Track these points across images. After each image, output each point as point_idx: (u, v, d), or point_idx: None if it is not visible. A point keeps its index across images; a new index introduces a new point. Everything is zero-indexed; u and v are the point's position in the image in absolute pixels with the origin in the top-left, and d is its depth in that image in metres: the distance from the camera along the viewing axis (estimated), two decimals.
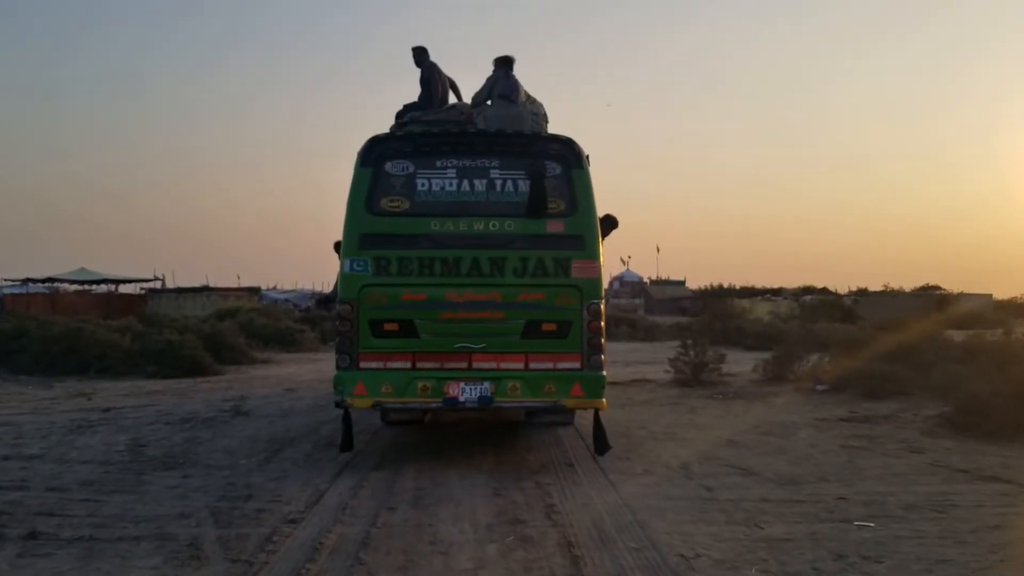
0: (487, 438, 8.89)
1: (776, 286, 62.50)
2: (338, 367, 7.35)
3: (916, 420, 9.86)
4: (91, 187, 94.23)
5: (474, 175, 7.58)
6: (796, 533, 5.37)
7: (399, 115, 9.01)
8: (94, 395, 13.07)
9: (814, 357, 14.41)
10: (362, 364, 7.29)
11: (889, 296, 47.50)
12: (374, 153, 7.55)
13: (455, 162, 7.58)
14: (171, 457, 7.97)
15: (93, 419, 10.43)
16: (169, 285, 48.60)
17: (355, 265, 7.35)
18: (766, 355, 16.29)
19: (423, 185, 7.53)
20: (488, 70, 8.79)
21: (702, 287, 64.10)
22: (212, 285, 47.93)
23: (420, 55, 9.18)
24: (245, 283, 49.98)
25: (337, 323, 7.51)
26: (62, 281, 48.67)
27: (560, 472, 7.28)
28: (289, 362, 19.28)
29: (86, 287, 48.84)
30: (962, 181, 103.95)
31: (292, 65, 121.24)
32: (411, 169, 7.54)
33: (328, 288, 52.27)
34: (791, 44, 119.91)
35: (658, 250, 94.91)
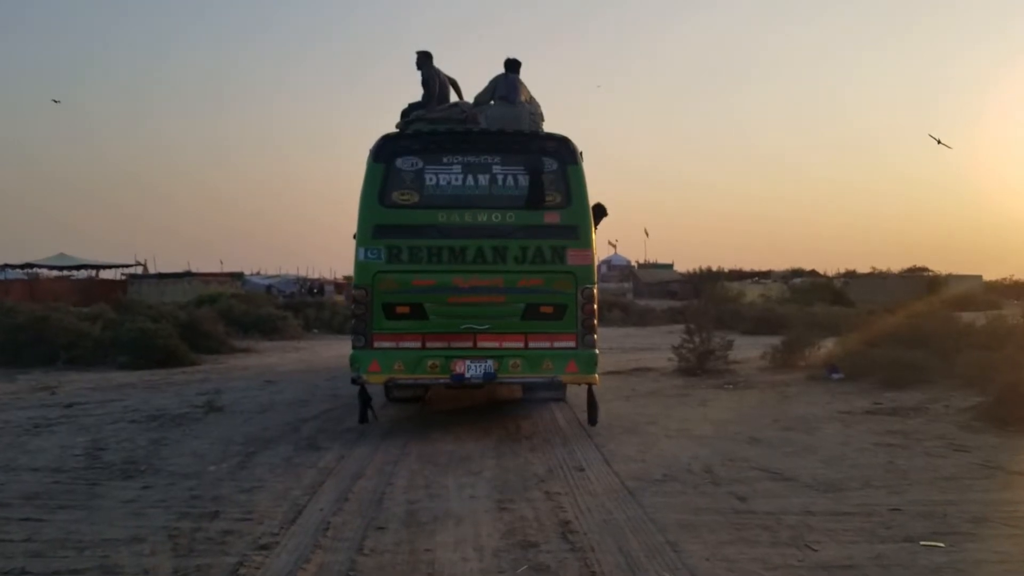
0: (485, 437, 8.08)
1: (764, 269, 61.92)
2: (354, 347, 7.97)
3: (949, 412, 9.11)
4: (71, 171, 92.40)
5: (478, 170, 8.16)
6: (857, 557, 4.57)
7: (404, 114, 9.53)
8: (59, 389, 12.15)
9: (827, 343, 13.67)
10: (376, 344, 7.90)
11: (878, 278, 46.93)
12: (386, 150, 8.15)
13: (460, 158, 8.16)
14: (132, 463, 7.09)
15: (53, 417, 9.53)
16: (151, 271, 47.52)
17: (369, 253, 7.97)
18: (766, 340, 15.61)
19: (431, 180, 8.12)
20: (491, 68, 9.47)
21: (690, 271, 63.49)
22: (194, 271, 46.80)
23: (422, 59, 9.72)
24: (228, 268, 48.89)
25: (353, 306, 8.14)
26: (41, 267, 47.69)
27: (570, 478, 6.47)
28: (270, 351, 18.37)
29: (65, 273, 47.82)
30: (947, 163, 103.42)
31: (298, 56, 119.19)
32: (420, 165, 8.13)
33: (312, 273, 51.33)
34: (783, 31, 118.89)
35: (647, 234, 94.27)
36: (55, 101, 69.19)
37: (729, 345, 13.55)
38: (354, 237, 8.21)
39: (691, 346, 13.43)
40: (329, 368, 14.80)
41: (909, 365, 11.11)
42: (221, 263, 51.08)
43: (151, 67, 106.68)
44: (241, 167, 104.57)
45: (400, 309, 7.85)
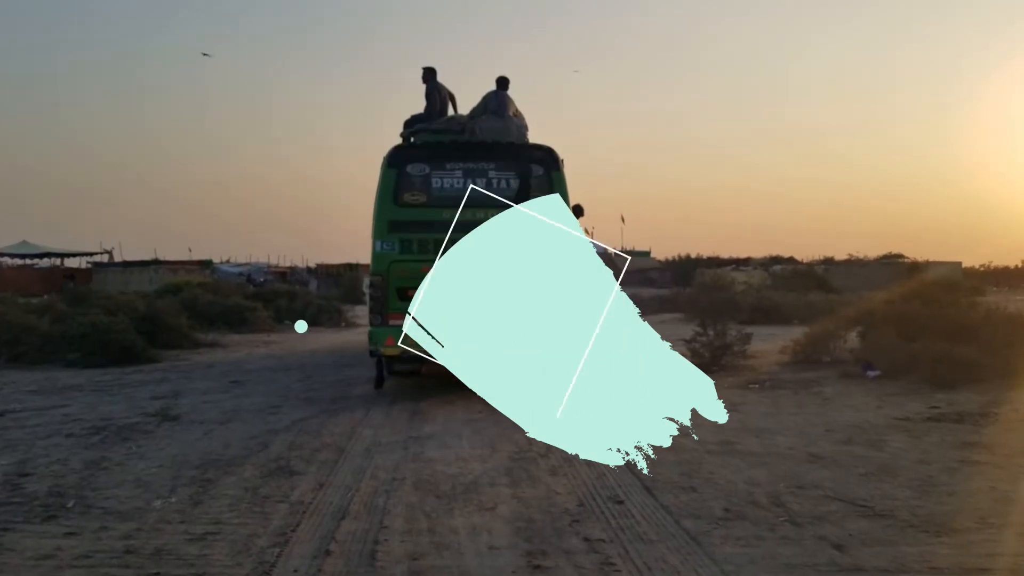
0: (492, 455, 6.75)
1: (742, 256, 60.83)
2: (372, 324, 9.49)
3: (1022, 418, 7.91)
4: (33, 155, 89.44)
5: (476, 175, 9.60)
6: None
7: (407, 124, 10.79)
8: None
9: (852, 335, 12.49)
10: (391, 322, 9.20)
11: (857, 265, 46.11)
12: (398, 158, 9.69)
13: (461, 165, 9.65)
14: (58, 495, 5.67)
15: None
16: (117, 258, 45.68)
17: (385, 245, 9.50)
18: (766, 330, 14.46)
19: (437, 183, 9.62)
20: (482, 78, 10.78)
21: (669, 258, 62.36)
22: (162, 258, 44.97)
23: (427, 74, 10.86)
24: (197, 256, 47.08)
25: (371, 290, 9.69)
26: (2, 255, 45.84)
27: (610, 515, 5.15)
28: (238, 345, 16.84)
29: (29, 262, 46.02)
30: (921, 151, 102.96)
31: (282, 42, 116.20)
32: (427, 170, 9.63)
33: (284, 260, 49.64)
34: (753, 18, 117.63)
35: (623, 220, 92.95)
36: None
37: (747, 339, 12.34)
38: None
39: (704, 339, 12.17)
40: (303, 365, 13.39)
41: (959, 362, 9.90)
42: (190, 250, 49.23)
43: (119, 52, 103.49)
44: (212, 153, 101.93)
45: (411, 292, 8.81)
